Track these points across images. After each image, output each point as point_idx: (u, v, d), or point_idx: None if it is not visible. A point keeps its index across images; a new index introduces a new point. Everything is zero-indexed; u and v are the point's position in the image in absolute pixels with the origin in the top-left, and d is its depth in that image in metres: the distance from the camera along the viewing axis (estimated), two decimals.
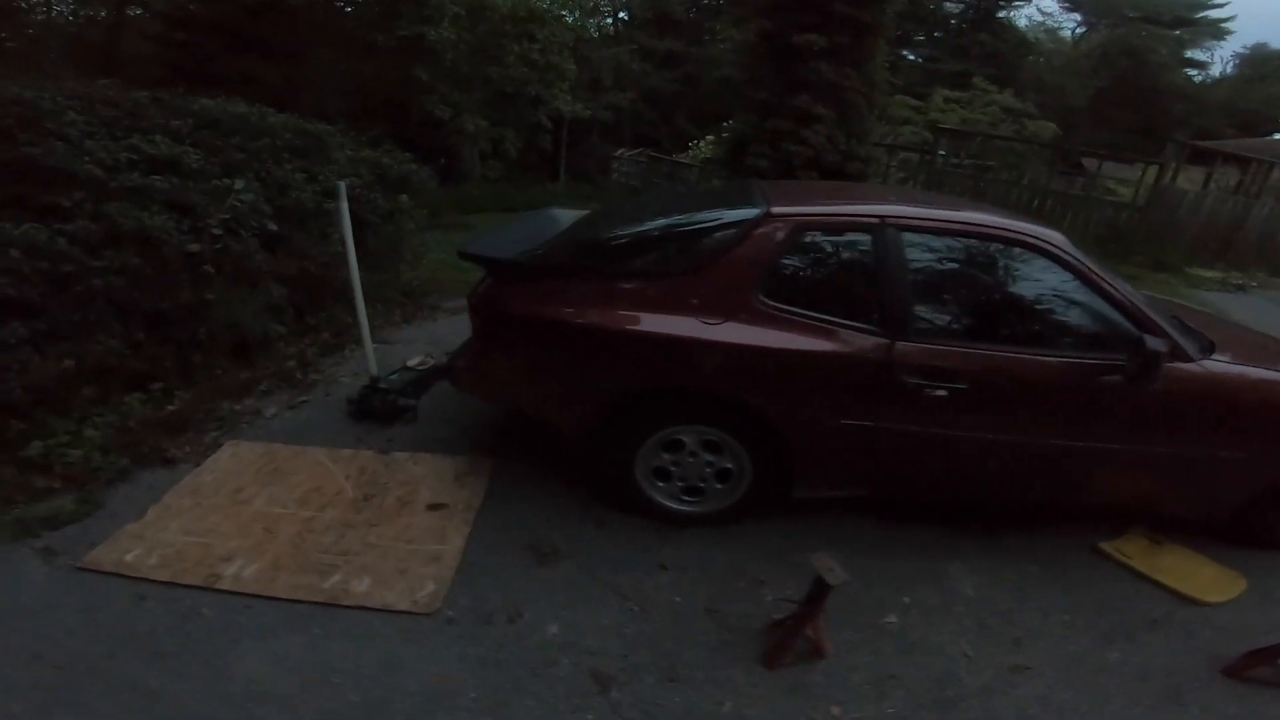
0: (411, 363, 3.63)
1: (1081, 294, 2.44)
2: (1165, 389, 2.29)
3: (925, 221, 2.49)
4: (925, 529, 2.68)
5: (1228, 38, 30.26)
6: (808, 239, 2.45)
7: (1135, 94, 24.82)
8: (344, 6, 12.24)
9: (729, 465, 2.51)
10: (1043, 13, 30.11)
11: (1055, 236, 2.50)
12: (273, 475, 2.72)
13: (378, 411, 3.17)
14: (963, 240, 2.55)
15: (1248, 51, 30.27)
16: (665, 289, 2.40)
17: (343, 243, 3.20)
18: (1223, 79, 29.60)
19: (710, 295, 2.35)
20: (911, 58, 23.91)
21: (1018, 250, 2.51)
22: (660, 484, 2.56)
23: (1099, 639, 2.23)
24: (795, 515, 2.63)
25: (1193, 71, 29.11)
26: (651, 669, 1.99)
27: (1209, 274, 9.46)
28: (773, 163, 8.74)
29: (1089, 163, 16.49)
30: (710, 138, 15.64)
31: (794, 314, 2.35)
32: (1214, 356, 2.47)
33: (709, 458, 2.50)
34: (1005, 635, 2.21)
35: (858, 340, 2.32)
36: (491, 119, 12.19)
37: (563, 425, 2.59)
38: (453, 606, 2.12)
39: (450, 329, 4.35)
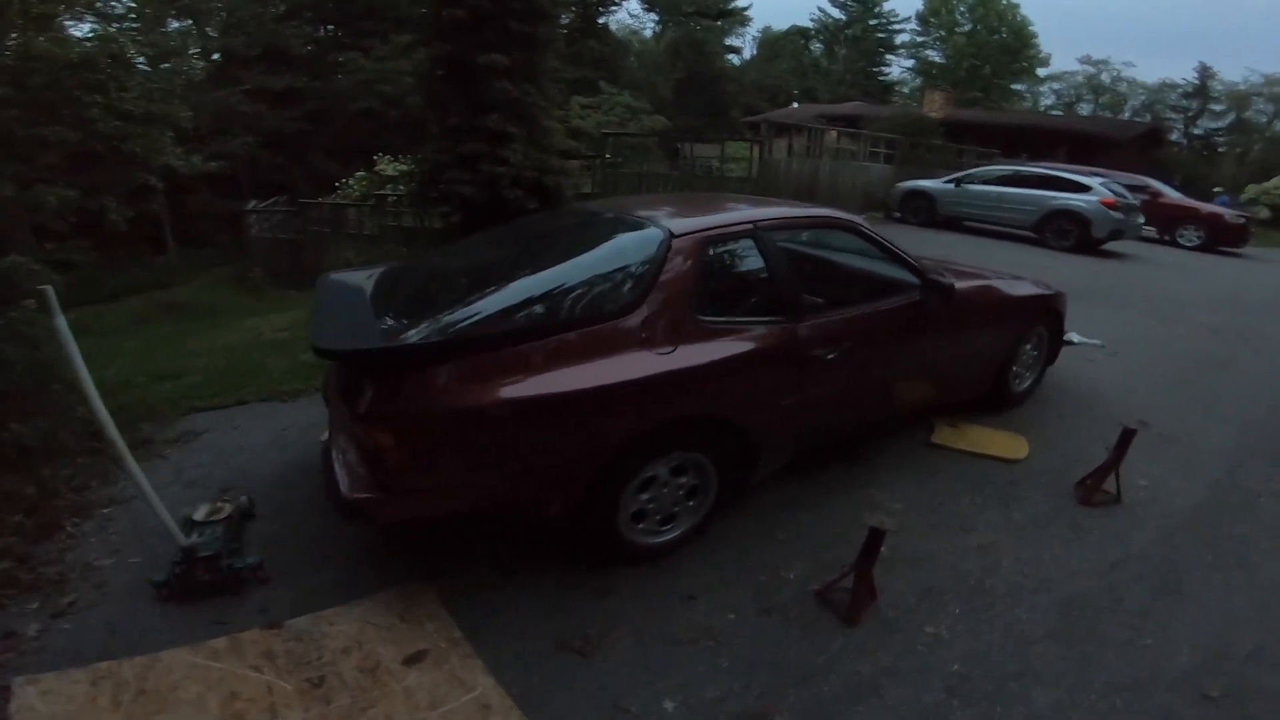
0: (199, 515, 2.70)
1: (882, 256, 3.15)
2: (947, 308, 3.16)
3: (780, 220, 2.91)
4: (811, 483, 3.08)
5: (749, 24, 39.58)
6: (711, 253, 2.61)
7: (703, 81, 30.77)
8: None
9: (695, 482, 2.60)
10: (631, 15, 34.87)
11: (857, 218, 3.19)
12: (146, 702, 1.94)
13: (210, 585, 2.41)
14: (808, 231, 3.07)
15: (760, 35, 40.01)
16: (610, 333, 2.30)
17: (76, 376, 2.26)
18: (751, 61, 38.42)
19: (655, 326, 2.36)
20: None
21: (840, 232, 3.13)
22: (639, 526, 2.54)
23: (1000, 505, 3.02)
24: (719, 517, 2.75)
25: (732, 56, 37.24)
26: (779, 681, 2.07)
27: None
28: (476, 186, 8.62)
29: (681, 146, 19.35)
30: (361, 174, 14.42)
31: (726, 323, 2.55)
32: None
33: (680, 481, 2.56)
34: (956, 525, 2.84)
35: (775, 331, 2.63)
36: (82, 186, 9.29)
37: (548, 509, 2.35)
38: None
39: (201, 460, 3.34)
